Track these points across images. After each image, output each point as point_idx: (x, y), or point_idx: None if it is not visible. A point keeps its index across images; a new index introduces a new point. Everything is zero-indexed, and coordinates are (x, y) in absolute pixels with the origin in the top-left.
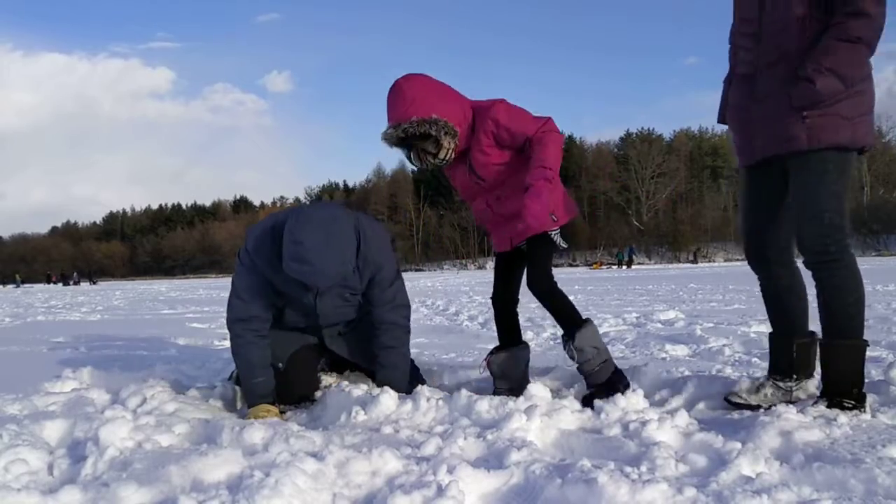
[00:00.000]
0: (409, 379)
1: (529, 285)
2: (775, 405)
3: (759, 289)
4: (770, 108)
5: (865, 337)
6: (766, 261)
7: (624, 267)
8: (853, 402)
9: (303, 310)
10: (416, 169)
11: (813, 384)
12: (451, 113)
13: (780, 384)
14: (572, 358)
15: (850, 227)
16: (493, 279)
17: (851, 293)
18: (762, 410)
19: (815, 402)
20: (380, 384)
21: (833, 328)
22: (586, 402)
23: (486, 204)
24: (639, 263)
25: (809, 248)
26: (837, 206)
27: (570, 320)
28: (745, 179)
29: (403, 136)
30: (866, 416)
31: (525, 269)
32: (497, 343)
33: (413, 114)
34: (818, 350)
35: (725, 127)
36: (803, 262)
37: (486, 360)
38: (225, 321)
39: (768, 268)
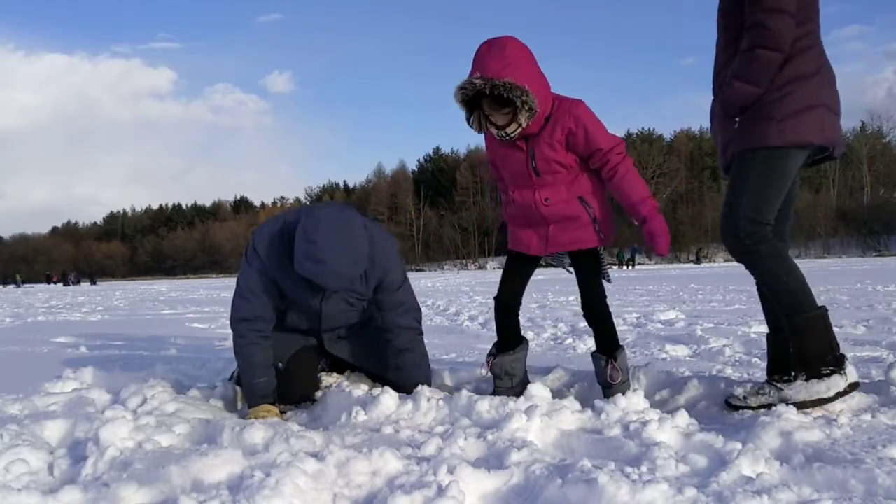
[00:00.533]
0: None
1: (590, 303)
2: (776, 405)
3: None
4: (718, 121)
5: (866, 337)
6: None
7: (627, 267)
8: (830, 368)
9: (307, 313)
10: (474, 131)
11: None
12: (540, 93)
13: (779, 384)
14: (611, 378)
15: (770, 221)
16: (495, 279)
17: (781, 271)
18: (762, 411)
19: (796, 378)
20: (405, 388)
21: (783, 307)
22: None
23: (532, 199)
24: (639, 264)
25: (726, 241)
26: (755, 203)
27: (614, 340)
28: None
29: (486, 94)
30: (867, 417)
31: (529, 276)
32: (495, 342)
33: (508, 75)
34: (787, 332)
35: None
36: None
37: (488, 360)
38: (227, 321)
39: None
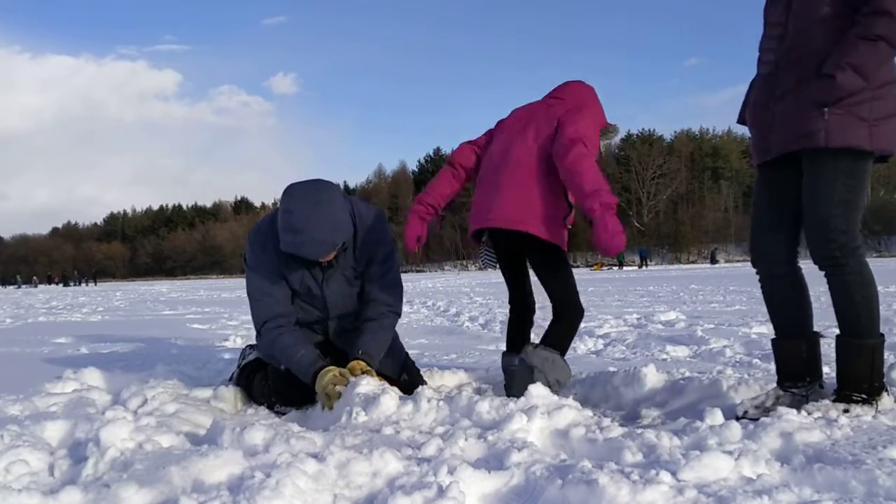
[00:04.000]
0: (383, 352)
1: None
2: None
3: (759, 290)
4: (790, 104)
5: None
6: (771, 261)
7: (644, 268)
8: (863, 396)
9: (311, 301)
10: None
11: (823, 387)
12: None
13: (794, 390)
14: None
15: (861, 234)
16: (496, 280)
17: (858, 293)
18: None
19: (811, 384)
20: (354, 353)
21: (844, 326)
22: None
23: None
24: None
25: (815, 252)
26: (846, 212)
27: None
28: (760, 178)
29: None
30: (867, 418)
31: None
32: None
33: None
34: (837, 349)
35: (726, 128)
36: (815, 264)
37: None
38: (228, 321)
39: (773, 268)
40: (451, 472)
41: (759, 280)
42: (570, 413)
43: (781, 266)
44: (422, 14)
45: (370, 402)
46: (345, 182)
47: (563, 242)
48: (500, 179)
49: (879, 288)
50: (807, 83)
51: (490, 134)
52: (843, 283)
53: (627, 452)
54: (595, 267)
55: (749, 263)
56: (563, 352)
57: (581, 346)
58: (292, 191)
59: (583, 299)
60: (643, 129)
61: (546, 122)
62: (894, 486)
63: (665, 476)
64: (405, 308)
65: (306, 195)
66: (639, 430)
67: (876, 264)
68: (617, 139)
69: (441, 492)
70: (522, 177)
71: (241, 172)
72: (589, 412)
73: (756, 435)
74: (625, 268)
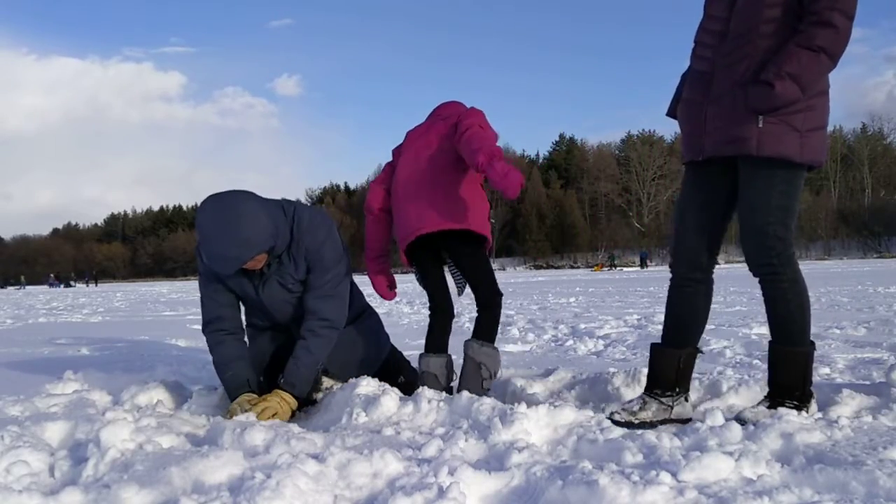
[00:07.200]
0: (311, 375)
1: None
2: (661, 422)
3: (759, 291)
4: (725, 108)
5: (867, 338)
6: (691, 266)
7: (644, 269)
8: (794, 403)
9: (255, 306)
10: None
11: (689, 400)
12: None
13: (662, 399)
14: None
15: (794, 239)
16: (497, 279)
17: (793, 301)
18: (765, 412)
19: (760, 403)
20: (278, 380)
21: (778, 334)
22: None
23: None
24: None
25: (753, 261)
26: (783, 219)
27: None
28: (690, 177)
29: None
30: (868, 418)
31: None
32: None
33: None
34: (770, 357)
35: None
36: (750, 271)
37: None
38: None
39: (691, 273)
40: (451, 472)
41: (672, 282)
42: (571, 414)
43: (699, 272)
44: (424, 16)
45: (371, 402)
46: (345, 183)
47: (489, 235)
48: (423, 186)
49: (880, 289)
50: (742, 88)
51: (391, 165)
52: (779, 292)
53: (628, 453)
54: (595, 268)
55: (747, 265)
56: (493, 341)
57: (581, 347)
58: (203, 206)
59: (583, 300)
60: (644, 129)
61: (444, 126)
62: (894, 487)
63: (665, 477)
64: (406, 308)
65: (214, 211)
66: (639, 431)
67: (876, 265)
68: (618, 140)
69: (441, 493)
70: (444, 179)
71: (244, 174)
72: (589, 413)
73: (756, 436)
74: (624, 269)
